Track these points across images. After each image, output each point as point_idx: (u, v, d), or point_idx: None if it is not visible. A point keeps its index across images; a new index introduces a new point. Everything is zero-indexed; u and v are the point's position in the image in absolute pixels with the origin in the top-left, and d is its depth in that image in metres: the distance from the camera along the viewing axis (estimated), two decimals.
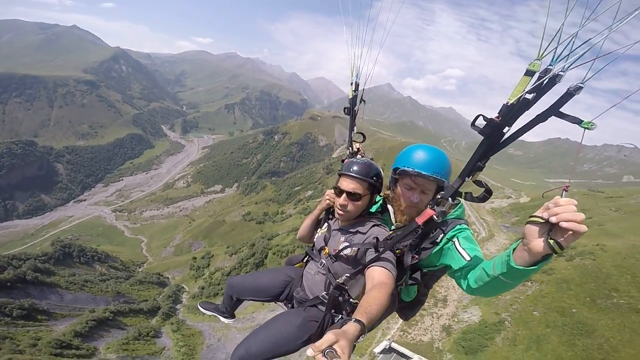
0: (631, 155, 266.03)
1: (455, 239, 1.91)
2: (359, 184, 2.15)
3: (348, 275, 1.97)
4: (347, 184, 2.17)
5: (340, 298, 2.02)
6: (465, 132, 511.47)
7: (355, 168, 2.19)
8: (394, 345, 25.02)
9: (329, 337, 1.14)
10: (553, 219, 1.26)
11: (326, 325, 2.08)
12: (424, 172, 2.04)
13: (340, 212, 2.20)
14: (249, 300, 2.75)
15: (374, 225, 2.18)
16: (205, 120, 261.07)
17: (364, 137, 2.94)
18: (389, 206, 2.32)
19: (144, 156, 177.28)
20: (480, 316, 25.91)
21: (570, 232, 1.24)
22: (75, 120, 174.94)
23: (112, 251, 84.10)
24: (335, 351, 1.09)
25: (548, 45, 1.36)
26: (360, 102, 2.79)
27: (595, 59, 1.26)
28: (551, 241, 1.29)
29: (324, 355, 1.07)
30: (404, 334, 26.16)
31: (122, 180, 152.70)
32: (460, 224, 1.98)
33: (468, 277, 1.79)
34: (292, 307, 2.44)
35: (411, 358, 23.96)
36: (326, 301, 2.09)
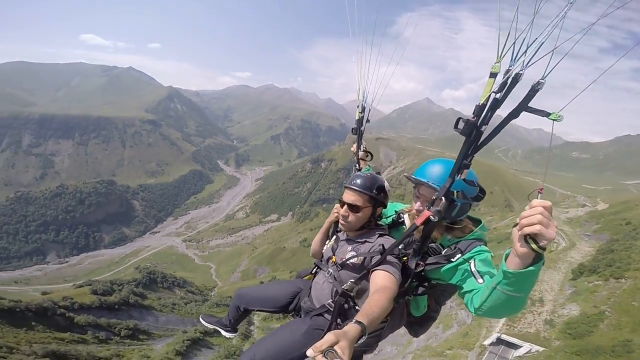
0: None
1: (472, 261, 1.90)
2: (359, 196, 2.23)
3: (353, 280, 2.00)
4: (348, 196, 2.25)
5: (346, 305, 2.04)
6: (520, 140, 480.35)
7: (356, 181, 2.27)
8: (504, 337, 27.17)
9: (329, 337, 1.15)
10: (518, 226, 1.35)
11: None
12: (418, 178, 2.11)
13: (342, 223, 2.29)
14: (257, 310, 2.77)
15: (380, 236, 2.24)
16: (255, 153, 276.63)
17: (372, 155, 3.20)
18: (406, 220, 2.37)
19: (205, 190, 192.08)
20: (580, 310, 27.77)
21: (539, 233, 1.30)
22: (145, 159, 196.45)
23: (187, 277, 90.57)
24: (336, 352, 1.10)
25: (504, 46, 1.50)
26: (366, 122, 3.09)
27: (549, 53, 1.37)
28: (530, 241, 1.32)
29: (324, 355, 1.08)
30: (510, 327, 27.74)
31: (189, 213, 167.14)
32: (480, 245, 1.98)
33: (474, 298, 1.78)
34: (301, 317, 2.46)
35: (520, 346, 26.16)
36: (332, 309, 2.08)
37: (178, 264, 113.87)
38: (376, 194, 2.25)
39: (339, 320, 2.04)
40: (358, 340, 1.32)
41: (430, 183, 2.05)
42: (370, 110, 3.00)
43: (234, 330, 3.04)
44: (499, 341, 27.68)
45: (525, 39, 1.45)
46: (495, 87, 1.56)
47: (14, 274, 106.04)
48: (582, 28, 1.36)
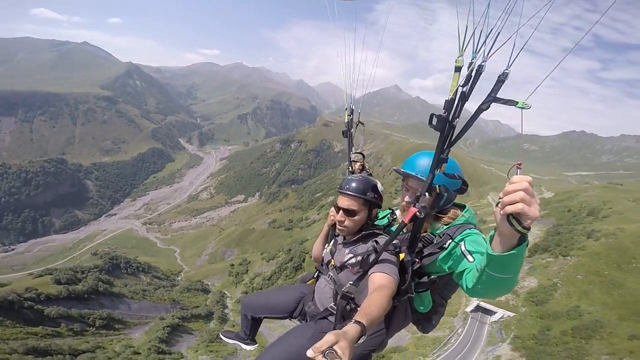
0: None
1: (462, 242, 1.89)
2: (354, 200, 2.24)
3: (352, 282, 1.98)
4: (343, 201, 2.27)
5: (347, 307, 1.99)
6: (478, 130, 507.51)
7: (349, 185, 2.29)
8: (482, 304, 34.10)
9: (329, 337, 1.14)
10: (500, 204, 1.31)
11: None
12: (407, 171, 2.18)
13: (340, 228, 2.32)
14: (264, 317, 2.79)
15: (377, 236, 2.25)
16: (220, 132, 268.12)
17: (364, 156, 3.13)
18: (397, 214, 2.43)
19: (166, 170, 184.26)
20: (537, 282, 35.82)
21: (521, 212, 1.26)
22: (99, 136, 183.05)
23: (151, 262, 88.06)
24: (336, 352, 1.10)
25: (467, 40, 1.55)
26: (357, 125, 3.12)
27: (507, 41, 1.42)
28: (513, 221, 1.26)
29: (324, 356, 1.08)
30: None
31: (148, 194, 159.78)
32: (469, 229, 1.98)
33: (467, 277, 1.75)
34: (306, 322, 2.49)
35: (495, 312, 33.38)
36: (335, 312, 2.06)
37: (139, 248, 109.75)
38: (370, 197, 2.28)
39: (343, 323, 2.02)
40: (358, 340, 1.31)
41: (418, 175, 2.12)
42: (360, 112, 3.09)
43: (252, 341, 3.00)
44: (478, 308, 34.06)
45: (482, 30, 1.48)
46: (462, 81, 1.59)
47: None
48: (539, 18, 1.35)
